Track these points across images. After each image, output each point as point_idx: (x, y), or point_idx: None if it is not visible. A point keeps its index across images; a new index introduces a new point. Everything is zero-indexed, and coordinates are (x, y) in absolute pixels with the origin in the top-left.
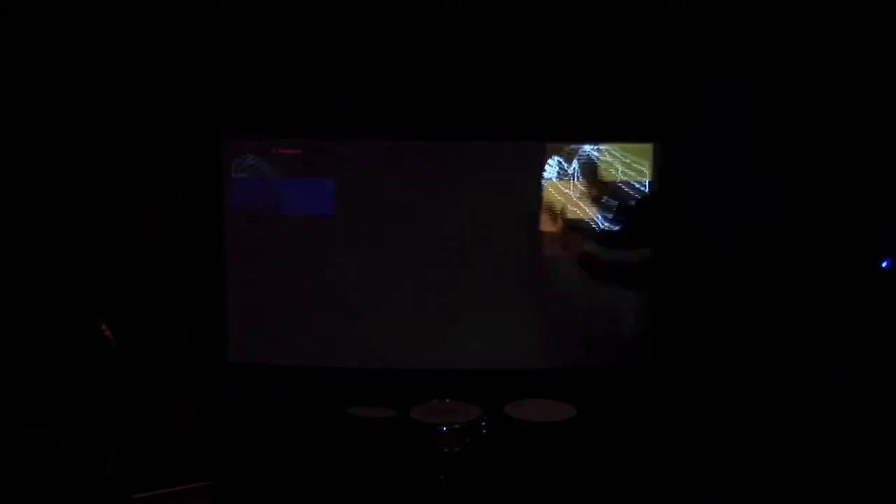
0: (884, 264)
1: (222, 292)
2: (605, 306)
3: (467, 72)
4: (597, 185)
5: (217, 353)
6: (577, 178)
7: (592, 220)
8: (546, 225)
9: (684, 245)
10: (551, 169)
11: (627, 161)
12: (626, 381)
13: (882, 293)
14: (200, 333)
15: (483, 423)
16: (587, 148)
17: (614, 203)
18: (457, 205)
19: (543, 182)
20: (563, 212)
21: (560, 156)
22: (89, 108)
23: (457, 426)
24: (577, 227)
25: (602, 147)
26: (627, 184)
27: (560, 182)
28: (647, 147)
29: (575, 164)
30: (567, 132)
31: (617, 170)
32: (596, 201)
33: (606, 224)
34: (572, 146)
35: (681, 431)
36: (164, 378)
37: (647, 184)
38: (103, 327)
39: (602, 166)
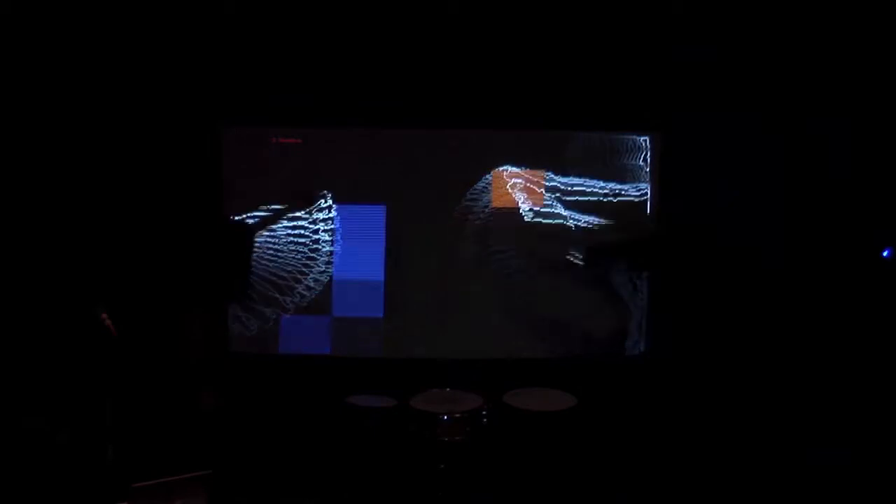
0: (885, 254)
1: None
2: (607, 298)
3: (475, 66)
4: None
5: (220, 344)
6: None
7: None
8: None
9: (684, 239)
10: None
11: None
12: (626, 372)
13: (883, 283)
14: (210, 325)
15: (483, 413)
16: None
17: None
18: (459, 193)
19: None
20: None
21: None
22: (93, 99)
23: (457, 415)
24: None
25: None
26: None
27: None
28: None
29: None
30: (572, 122)
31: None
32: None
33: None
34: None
35: (679, 423)
36: (172, 369)
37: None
38: (103, 316)
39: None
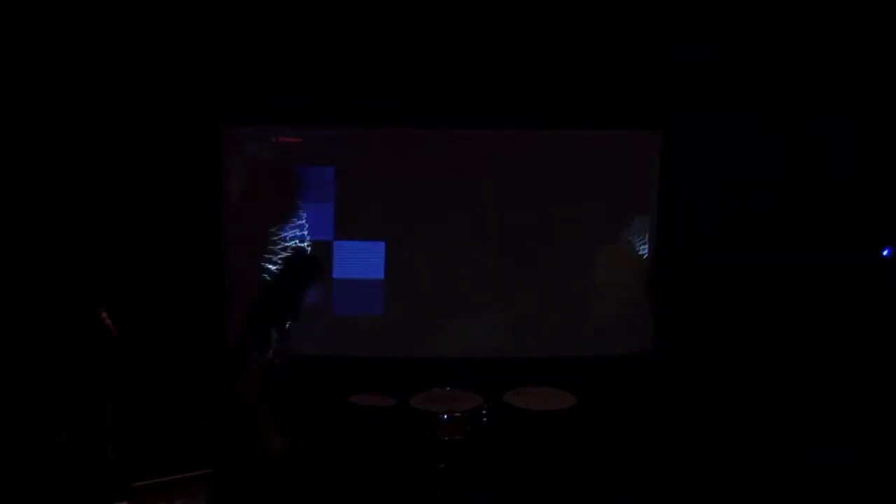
0: (885, 253)
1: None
2: (607, 298)
3: (474, 65)
4: None
5: (218, 343)
6: None
7: None
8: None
9: (685, 237)
10: None
11: None
12: (627, 371)
13: (883, 283)
14: (212, 324)
15: (483, 412)
16: None
17: None
18: (459, 193)
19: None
20: None
21: None
22: (93, 100)
23: (457, 414)
24: None
25: None
26: None
27: None
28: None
29: None
30: (572, 121)
31: None
32: None
33: None
34: None
35: (680, 422)
36: (172, 369)
37: None
38: (103, 316)
39: None
